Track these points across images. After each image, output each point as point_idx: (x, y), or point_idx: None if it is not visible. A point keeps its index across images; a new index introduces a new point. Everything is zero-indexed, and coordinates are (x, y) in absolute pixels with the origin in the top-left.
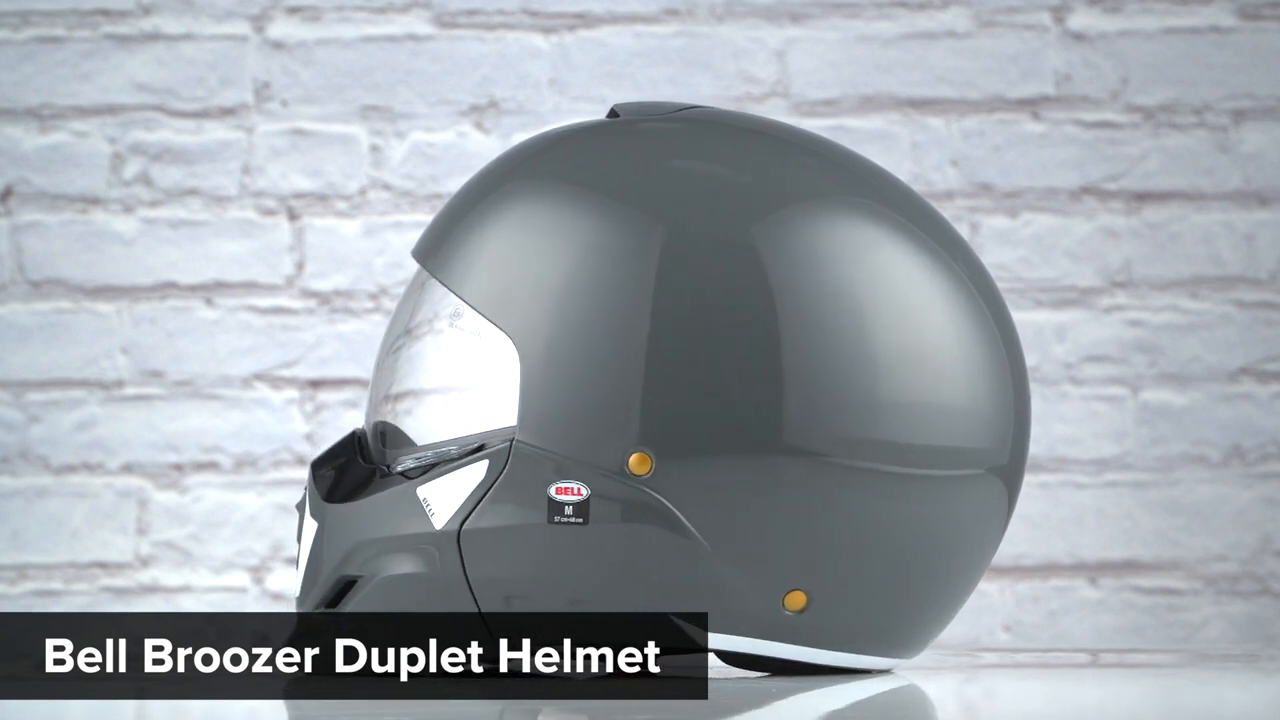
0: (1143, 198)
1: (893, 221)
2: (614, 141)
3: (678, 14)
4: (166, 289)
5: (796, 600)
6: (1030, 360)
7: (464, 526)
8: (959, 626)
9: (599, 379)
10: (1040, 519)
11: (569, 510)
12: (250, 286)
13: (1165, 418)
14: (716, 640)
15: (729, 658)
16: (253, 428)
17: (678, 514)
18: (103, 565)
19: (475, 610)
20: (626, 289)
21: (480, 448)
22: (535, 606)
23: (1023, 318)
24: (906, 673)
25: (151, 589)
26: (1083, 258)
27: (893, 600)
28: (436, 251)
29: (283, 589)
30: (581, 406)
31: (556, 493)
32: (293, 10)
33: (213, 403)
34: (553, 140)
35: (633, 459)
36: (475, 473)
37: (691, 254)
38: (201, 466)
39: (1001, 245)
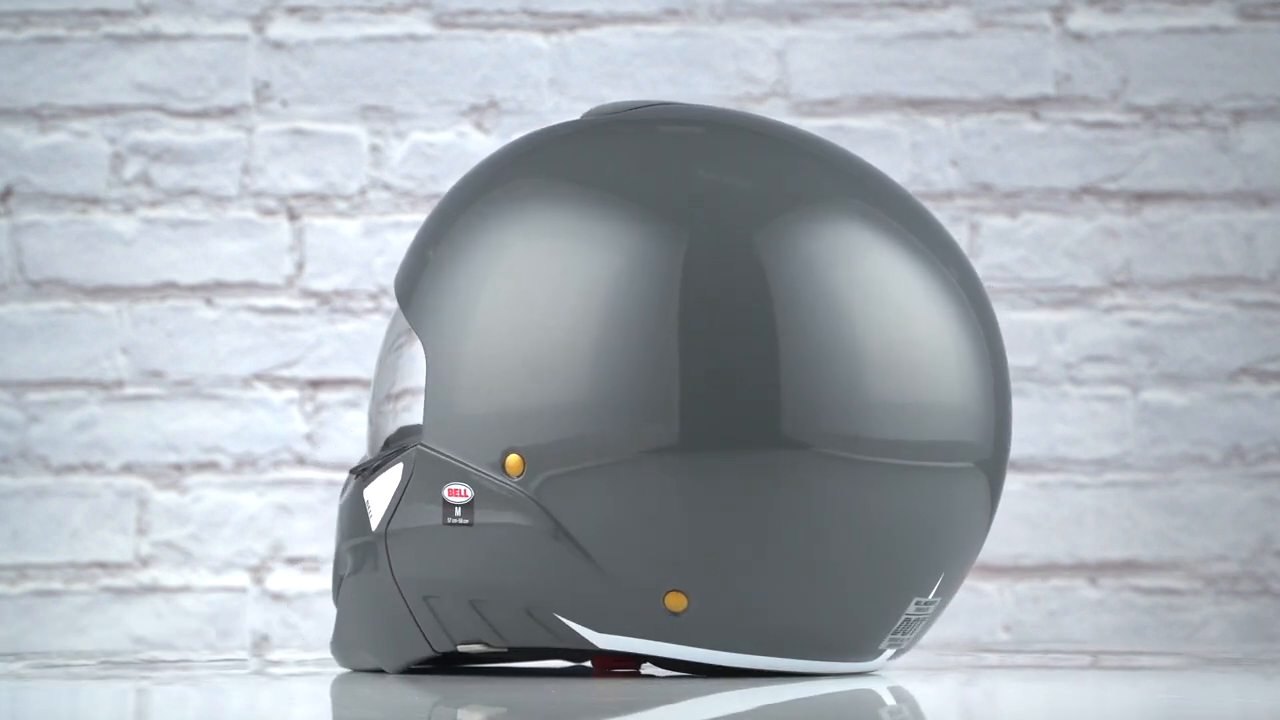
0: (1143, 198)
1: (885, 224)
2: (580, 143)
3: (678, 14)
4: (166, 289)
5: (677, 601)
6: (1030, 360)
7: (389, 527)
8: (958, 626)
9: (481, 382)
10: (1040, 519)
11: (458, 511)
12: (250, 286)
13: (1165, 418)
14: (607, 641)
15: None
16: (253, 428)
17: (551, 515)
18: (103, 565)
19: (406, 609)
20: (520, 294)
21: (402, 449)
22: (446, 605)
23: (1023, 318)
24: (899, 673)
25: (151, 589)
26: (1083, 258)
27: (803, 600)
28: (405, 258)
29: (283, 589)
30: (467, 409)
31: (449, 494)
32: (293, 10)
33: (213, 403)
34: (536, 144)
35: (509, 460)
36: (395, 475)
37: (612, 259)
38: (201, 466)
39: (1001, 245)
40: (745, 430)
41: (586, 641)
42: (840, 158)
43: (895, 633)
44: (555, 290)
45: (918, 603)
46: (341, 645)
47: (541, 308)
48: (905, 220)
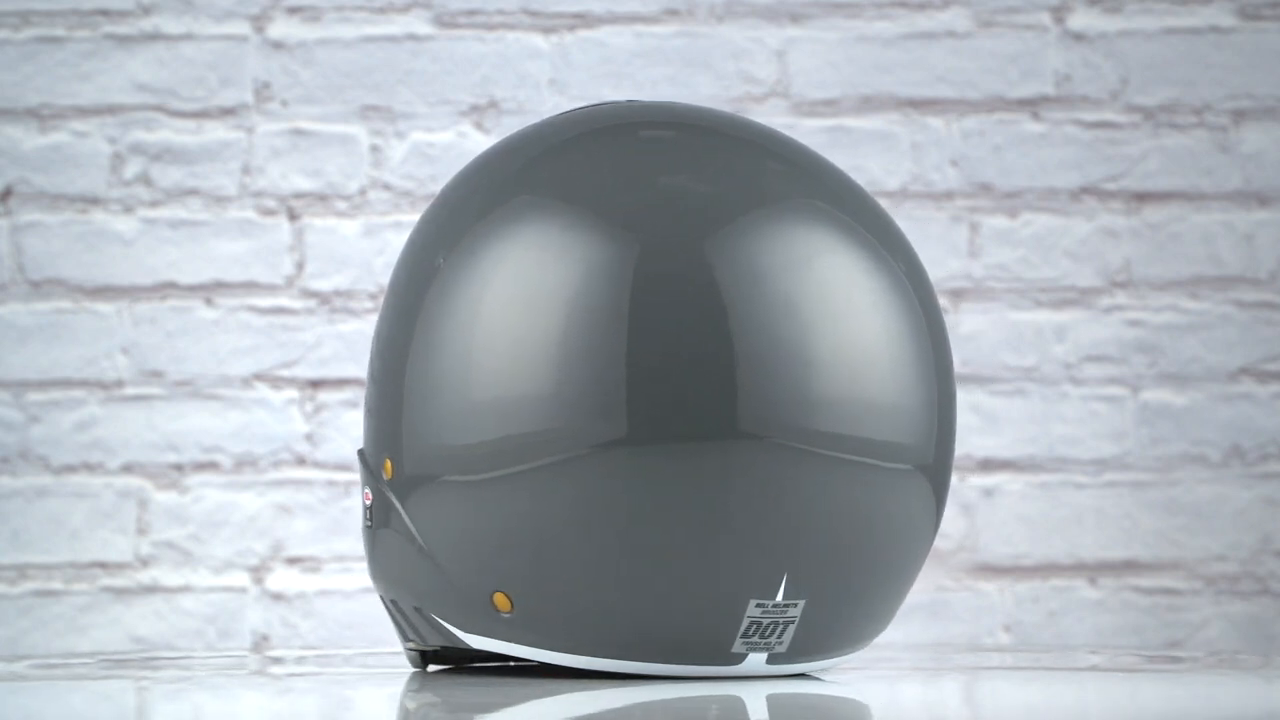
0: (1143, 198)
1: (839, 224)
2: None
3: (678, 14)
4: (166, 289)
5: (503, 602)
6: (1030, 360)
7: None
8: (959, 626)
9: (373, 389)
10: (1040, 519)
11: (366, 515)
12: (250, 286)
13: (1165, 418)
14: (477, 641)
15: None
16: (253, 428)
17: (405, 517)
18: (103, 565)
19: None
20: (402, 305)
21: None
22: (388, 605)
23: (1023, 318)
24: (889, 673)
25: (151, 589)
26: (1083, 258)
27: (629, 601)
28: None
29: (283, 589)
30: (368, 414)
31: (365, 498)
32: (293, 10)
33: (213, 403)
34: (495, 158)
35: (386, 465)
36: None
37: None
38: (201, 466)
39: (1001, 245)
40: (534, 437)
41: (462, 641)
42: (798, 155)
43: (747, 635)
44: (464, 306)
45: (759, 604)
46: None
47: (447, 323)
48: (861, 220)
